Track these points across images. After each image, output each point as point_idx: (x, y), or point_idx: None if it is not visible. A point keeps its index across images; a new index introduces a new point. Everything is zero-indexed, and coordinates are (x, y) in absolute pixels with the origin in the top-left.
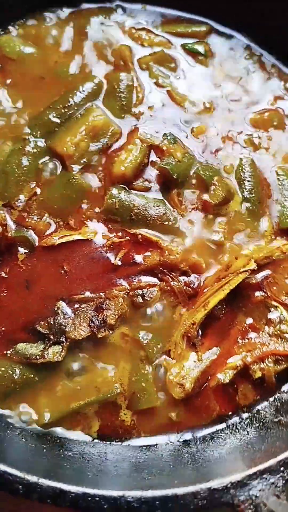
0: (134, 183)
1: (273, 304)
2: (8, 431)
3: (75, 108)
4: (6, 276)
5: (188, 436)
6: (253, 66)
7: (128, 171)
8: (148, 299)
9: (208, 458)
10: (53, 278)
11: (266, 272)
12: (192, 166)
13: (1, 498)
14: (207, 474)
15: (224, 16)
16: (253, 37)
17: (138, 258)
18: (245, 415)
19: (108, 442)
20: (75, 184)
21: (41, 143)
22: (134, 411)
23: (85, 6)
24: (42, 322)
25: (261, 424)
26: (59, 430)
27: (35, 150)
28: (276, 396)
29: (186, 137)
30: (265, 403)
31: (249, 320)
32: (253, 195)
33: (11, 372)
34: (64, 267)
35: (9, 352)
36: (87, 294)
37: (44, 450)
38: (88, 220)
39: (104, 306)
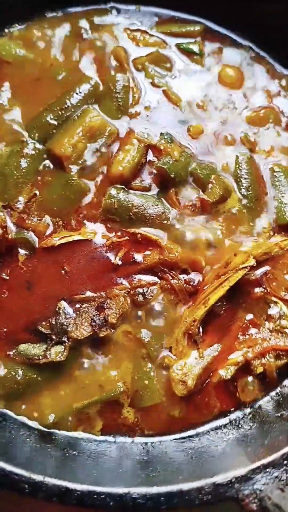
0: (132, 183)
1: (272, 299)
2: (12, 432)
3: (72, 110)
4: (7, 278)
5: (191, 432)
6: (247, 64)
7: (126, 171)
8: (149, 297)
9: (212, 453)
10: (54, 279)
11: (265, 268)
12: (189, 165)
13: (1, 498)
14: (211, 470)
15: (218, 15)
16: (248, 36)
17: (138, 257)
18: (247, 410)
19: (112, 441)
20: (74, 185)
21: (39, 145)
22: (137, 409)
23: (80, 8)
24: (44, 323)
25: (263, 419)
26: (63, 430)
27: (33, 152)
28: (277, 391)
29: (183, 136)
30: (267, 398)
31: (249, 316)
32: (250, 192)
33: (14, 373)
34: (65, 267)
35: (11, 353)
36: (88, 293)
37: (49, 450)
38: (88, 220)
39: (105, 305)
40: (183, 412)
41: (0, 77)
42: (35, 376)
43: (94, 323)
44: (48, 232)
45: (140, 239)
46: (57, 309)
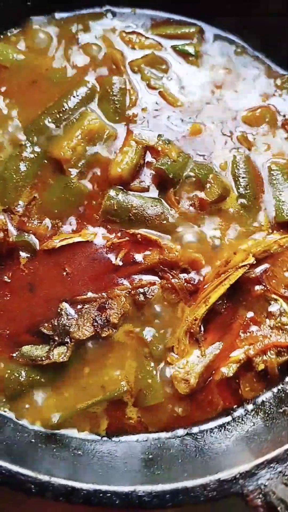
0: (131, 184)
1: (272, 297)
2: (17, 433)
3: (70, 113)
4: (9, 281)
5: (195, 430)
6: (243, 64)
7: (124, 173)
8: (150, 297)
9: (216, 450)
10: (55, 280)
11: (265, 266)
12: (187, 165)
13: (2, 498)
14: (215, 466)
15: (213, 17)
16: (243, 36)
17: (138, 257)
18: (250, 407)
19: (117, 440)
20: (73, 187)
21: (38, 148)
22: (141, 408)
23: (76, 12)
24: (46, 324)
25: (266, 415)
26: (68, 430)
27: (32, 156)
28: (280, 387)
29: (180, 136)
30: (270, 394)
31: (250, 314)
32: (248, 191)
33: (17, 375)
34: (66, 269)
35: (14, 354)
36: (90, 294)
37: (54, 450)
38: (88, 222)
39: (106, 305)
40: (187, 410)
41: None
42: (38, 377)
43: (96, 324)
44: (49, 234)
45: (140, 239)
46: (59, 310)
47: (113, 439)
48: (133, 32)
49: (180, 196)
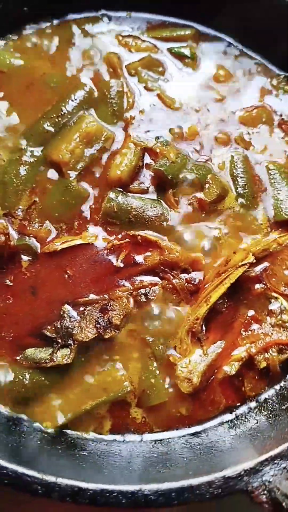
0: (130, 186)
1: (273, 295)
2: (23, 435)
3: (68, 117)
4: (11, 284)
5: (198, 428)
6: (239, 65)
7: (124, 175)
8: (151, 297)
9: (220, 448)
10: (57, 283)
11: (265, 264)
12: (186, 166)
13: (2, 498)
14: (220, 464)
15: (208, 19)
16: (239, 37)
17: (139, 258)
18: (253, 405)
19: (121, 440)
20: (73, 190)
21: (37, 152)
22: (145, 408)
23: (72, 16)
24: (49, 327)
25: (269, 412)
26: (72, 431)
27: (32, 160)
28: (282, 384)
29: (178, 138)
30: (272, 392)
31: (251, 312)
32: (247, 190)
33: (22, 377)
34: (68, 271)
35: (18, 357)
36: (92, 296)
37: (60, 451)
38: (88, 224)
39: (108, 307)
40: (190, 409)
41: None
42: (42, 379)
43: (98, 325)
44: (50, 237)
45: (140, 240)
46: (61, 312)
47: (118, 439)
48: (129, 36)
49: (179, 197)
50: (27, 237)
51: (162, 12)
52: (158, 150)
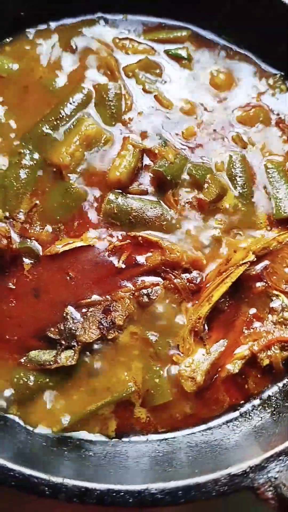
0: (130, 187)
1: (274, 293)
2: (29, 437)
3: (67, 119)
4: (14, 287)
5: (203, 427)
6: (235, 66)
7: (123, 176)
8: (153, 298)
9: (225, 446)
10: (59, 285)
11: (265, 262)
12: (185, 167)
13: (2, 498)
14: (225, 461)
15: (204, 20)
16: (234, 38)
17: (140, 259)
18: (257, 402)
19: (127, 440)
20: (73, 192)
21: (37, 155)
22: (149, 408)
23: (68, 20)
24: (52, 329)
25: (273, 409)
26: (78, 433)
27: (31, 163)
28: (285, 381)
29: (177, 138)
30: (275, 389)
31: (253, 310)
32: (246, 189)
33: (26, 380)
34: (70, 273)
35: (22, 360)
36: (94, 297)
37: (66, 453)
38: (89, 226)
39: (111, 308)
40: (194, 408)
41: None
42: (47, 381)
43: (101, 326)
44: (51, 240)
45: (141, 241)
46: (64, 314)
47: (123, 439)
48: (126, 38)
49: (178, 197)
50: (29, 240)
51: (158, 14)
52: (156, 151)
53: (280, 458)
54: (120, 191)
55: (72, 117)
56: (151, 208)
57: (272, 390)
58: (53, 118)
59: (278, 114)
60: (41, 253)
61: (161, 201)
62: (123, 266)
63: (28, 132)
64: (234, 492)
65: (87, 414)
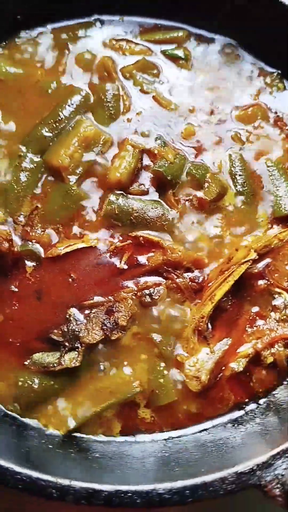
0: (130, 188)
1: (276, 290)
2: (35, 440)
3: (66, 122)
4: (17, 290)
5: (208, 425)
6: (232, 64)
7: (123, 177)
8: (156, 297)
9: (231, 444)
10: (62, 287)
11: (267, 260)
12: (185, 166)
13: (2, 499)
14: (232, 460)
15: (200, 20)
16: (231, 37)
17: (142, 259)
18: (261, 400)
19: (132, 440)
20: (73, 194)
21: (36, 158)
22: (154, 408)
23: (65, 22)
24: (55, 331)
25: (278, 406)
26: (83, 434)
27: (31, 166)
28: None
29: (176, 138)
30: (280, 387)
31: (255, 309)
32: (246, 188)
33: (31, 382)
34: (72, 275)
35: (26, 362)
36: (97, 298)
37: (72, 455)
38: (90, 227)
39: (114, 308)
40: (199, 407)
41: None
42: (52, 383)
43: (105, 327)
44: (53, 242)
45: (142, 241)
46: (67, 316)
47: (129, 440)
48: (122, 39)
49: (179, 197)
50: (30, 243)
51: (154, 15)
52: (156, 152)
53: (287, 455)
54: (121, 192)
55: (71, 119)
56: (152, 208)
57: (277, 388)
58: (52, 120)
59: (276, 113)
60: (42, 256)
61: (161, 201)
62: (125, 266)
63: (27, 135)
64: (242, 490)
65: (93, 415)
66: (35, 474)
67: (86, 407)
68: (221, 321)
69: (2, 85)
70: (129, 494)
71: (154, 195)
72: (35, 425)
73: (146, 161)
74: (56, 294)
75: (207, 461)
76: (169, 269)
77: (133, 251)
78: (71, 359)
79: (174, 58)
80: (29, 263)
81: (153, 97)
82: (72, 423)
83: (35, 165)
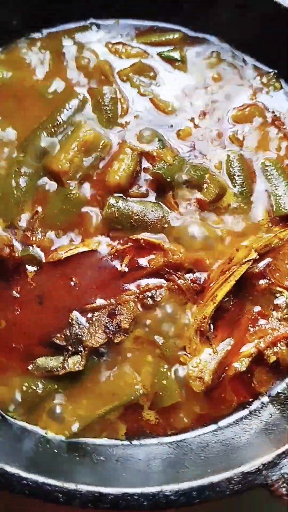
0: (130, 191)
1: (277, 290)
2: (40, 444)
3: (65, 126)
4: (18, 295)
5: (213, 426)
6: (229, 65)
7: (122, 180)
8: (158, 299)
9: (236, 444)
10: (63, 291)
11: (267, 260)
12: (183, 168)
13: (2, 499)
14: (238, 459)
15: (195, 22)
16: (227, 38)
17: (143, 261)
18: (265, 399)
19: (138, 443)
20: (73, 198)
21: (36, 163)
22: (158, 410)
23: (61, 26)
24: (58, 335)
25: (282, 405)
26: (88, 438)
27: (31, 170)
28: None
29: (174, 140)
30: (283, 385)
31: (257, 308)
32: (245, 188)
33: (35, 387)
34: (73, 279)
35: (30, 367)
36: (99, 302)
37: (77, 458)
38: (90, 231)
39: (116, 311)
40: (203, 408)
41: None
42: (55, 388)
43: (107, 330)
44: (54, 247)
45: (143, 244)
46: (70, 320)
47: (134, 442)
48: (119, 42)
49: (179, 199)
50: (31, 248)
51: (149, 18)
52: (155, 154)
53: None
54: (121, 195)
55: (69, 123)
56: (152, 210)
57: (280, 387)
58: (50, 125)
59: (273, 112)
60: (43, 260)
61: (161, 203)
62: (126, 269)
63: (25, 140)
64: (248, 490)
65: (97, 418)
66: (41, 479)
67: (90, 411)
68: (223, 321)
69: (0, 91)
70: (136, 496)
71: (153, 197)
72: (39, 430)
73: (145, 163)
74: (58, 298)
75: (212, 462)
76: (170, 270)
77: (134, 253)
78: (74, 363)
79: (170, 60)
80: (30, 268)
81: (150, 99)
82: (76, 427)
83: (34, 170)
